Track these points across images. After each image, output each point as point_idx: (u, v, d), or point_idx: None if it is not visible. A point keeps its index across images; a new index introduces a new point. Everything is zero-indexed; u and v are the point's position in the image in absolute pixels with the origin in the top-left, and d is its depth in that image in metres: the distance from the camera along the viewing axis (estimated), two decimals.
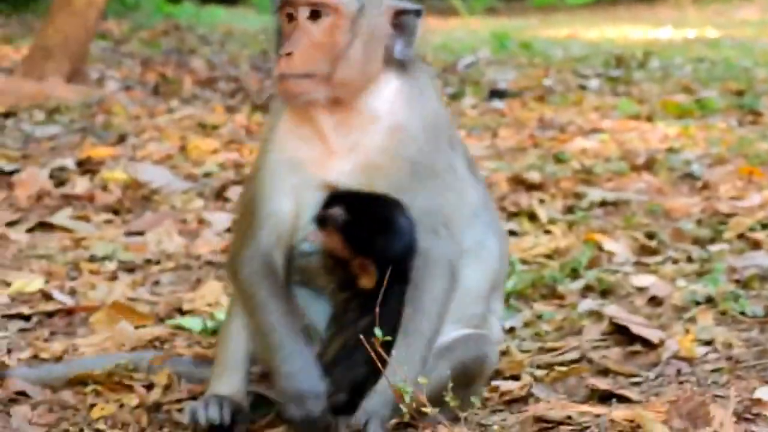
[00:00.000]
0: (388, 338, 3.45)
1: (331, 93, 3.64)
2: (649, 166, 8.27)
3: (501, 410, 3.98)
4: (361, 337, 3.43)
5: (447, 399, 3.43)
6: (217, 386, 3.88)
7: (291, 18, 3.66)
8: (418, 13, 3.72)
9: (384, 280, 3.52)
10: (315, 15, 3.62)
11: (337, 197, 3.64)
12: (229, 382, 3.87)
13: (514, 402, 4.06)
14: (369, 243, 3.61)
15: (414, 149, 3.69)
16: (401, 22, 3.71)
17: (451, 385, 3.49)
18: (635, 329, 4.65)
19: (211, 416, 3.75)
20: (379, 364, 3.46)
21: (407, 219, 3.62)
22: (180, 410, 4.04)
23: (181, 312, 5.28)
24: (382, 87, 3.73)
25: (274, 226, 3.74)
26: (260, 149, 3.93)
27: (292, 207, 3.73)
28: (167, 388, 4.24)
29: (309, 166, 3.72)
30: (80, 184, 7.65)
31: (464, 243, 3.80)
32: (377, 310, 3.40)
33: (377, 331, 3.37)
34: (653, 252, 6.06)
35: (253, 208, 3.78)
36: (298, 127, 3.75)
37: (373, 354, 3.41)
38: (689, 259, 5.87)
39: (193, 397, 4.17)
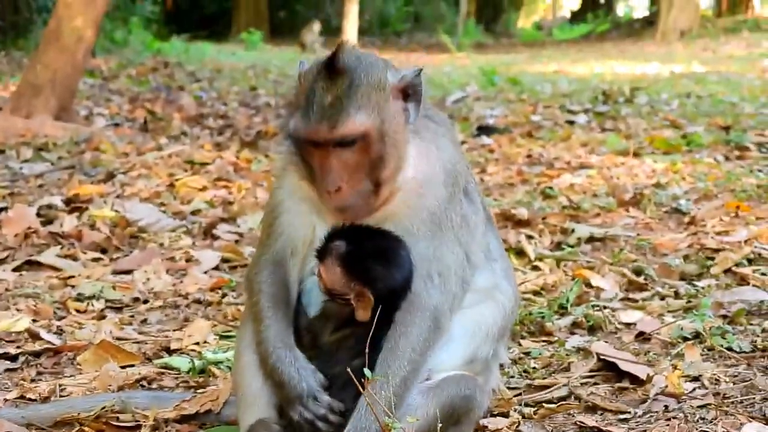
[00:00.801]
0: (379, 377, 3.45)
1: (380, 193, 3.66)
2: (637, 201, 8.30)
3: None
4: (350, 372, 3.43)
5: None
6: (248, 419, 3.80)
7: (316, 144, 3.62)
8: (418, 75, 3.71)
9: (382, 314, 3.54)
10: (345, 144, 3.59)
11: (337, 232, 3.67)
12: (257, 409, 3.78)
13: None
14: (368, 271, 3.62)
15: (432, 201, 3.71)
16: (407, 92, 3.71)
17: (440, 425, 3.49)
18: (623, 366, 4.66)
19: None
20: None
21: (407, 252, 3.64)
22: None
23: (169, 351, 5.26)
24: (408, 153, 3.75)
25: (289, 237, 3.79)
26: (275, 176, 3.96)
27: (307, 224, 3.77)
28: (155, 429, 4.22)
29: (324, 209, 3.74)
30: (68, 222, 7.64)
31: (478, 283, 3.84)
32: (367, 351, 3.41)
33: (366, 372, 3.37)
34: (641, 288, 6.08)
35: (271, 221, 3.83)
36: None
37: (363, 392, 3.41)
38: (676, 295, 5.88)
39: None
